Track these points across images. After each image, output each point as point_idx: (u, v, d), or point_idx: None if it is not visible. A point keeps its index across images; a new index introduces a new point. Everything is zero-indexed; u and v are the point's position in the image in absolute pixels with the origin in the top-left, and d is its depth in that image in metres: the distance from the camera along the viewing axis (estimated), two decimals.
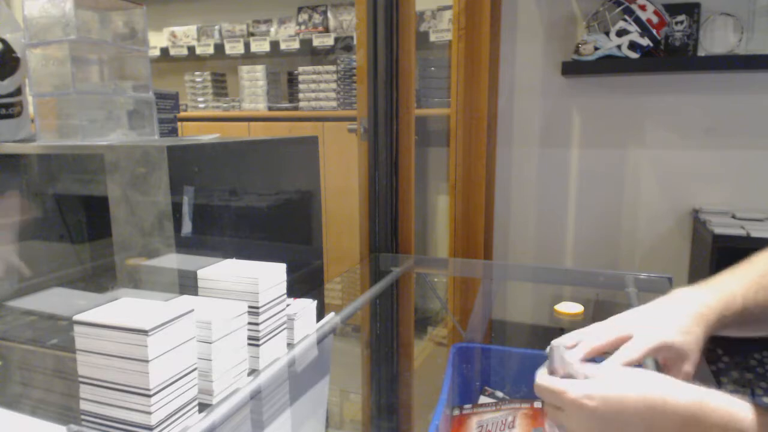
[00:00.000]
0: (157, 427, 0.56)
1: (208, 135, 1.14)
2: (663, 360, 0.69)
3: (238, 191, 1.00)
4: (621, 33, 1.88)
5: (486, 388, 0.98)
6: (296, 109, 2.92)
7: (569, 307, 1.22)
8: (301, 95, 2.88)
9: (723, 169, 1.99)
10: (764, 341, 1.92)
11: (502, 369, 1.00)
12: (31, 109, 1.05)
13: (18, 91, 1.05)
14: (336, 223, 2.52)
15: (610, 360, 0.66)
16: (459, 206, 2.03)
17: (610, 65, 1.93)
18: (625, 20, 1.87)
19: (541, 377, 0.65)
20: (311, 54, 3.02)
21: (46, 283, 1.11)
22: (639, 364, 0.66)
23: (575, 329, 0.98)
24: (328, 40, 2.85)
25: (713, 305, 0.69)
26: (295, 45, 2.93)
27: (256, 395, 0.71)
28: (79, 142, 0.95)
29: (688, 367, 0.67)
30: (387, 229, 1.67)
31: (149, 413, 0.56)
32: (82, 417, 0.59)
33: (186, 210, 0.85)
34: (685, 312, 0.69)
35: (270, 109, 3.00)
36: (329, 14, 2.95)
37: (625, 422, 0.57)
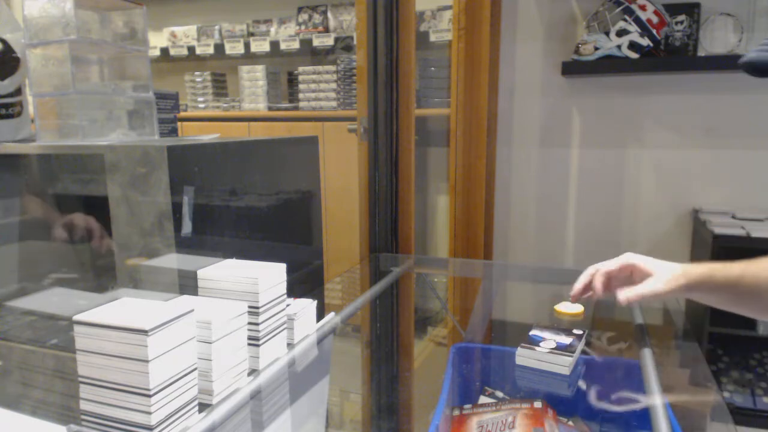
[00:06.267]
0: (157, 427, 0.56)
1: (208, 135, 1.14)
2: (635, 273, 0.88)
3: (238, 191, 1.00)
4: (621, 33, 1.88)
5: (486, 388, 0.98)
6: (296, 109, 2.92)
7: (569, 307, 1.22)
8: (301, 95, 2.88)
9: (723, 169, 1.99)
10: (764, 341, 1.92)
11: (502, 369, 1.00)
12: (31, 109, 1.05)
13: (18, 91, 1.05)
14: (336, 223, 2.52)
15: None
16: (459, 206, 2.03)
17: (610, 65, 1.93)
18: (625, 20, 1.87)
19: None
20: (311, 54, 3.02)
21: (46, 283, 1.11)
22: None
23: (575, 330, 0.98)
24: (328, 40, 2.85)
25: (706, 264, 0.82)
26: (295, 45, 2.93)
27: (256, 395, 0.71)
28: (79, 142, 0.95)
29: (654, 280, 0.83)
30: (387, 229, 1.67)
31: (149, 413, 0.56)
32: (82, 417, 0.59)
33: (186, 210, 0.85)
34: (678, 264, 0.85)
35: (270, 109, 3.00)
36: (329, 14, 2.95)
37: None
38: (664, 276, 0.83)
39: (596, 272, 0.94)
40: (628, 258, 0.91)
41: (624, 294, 0.84)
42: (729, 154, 1.98)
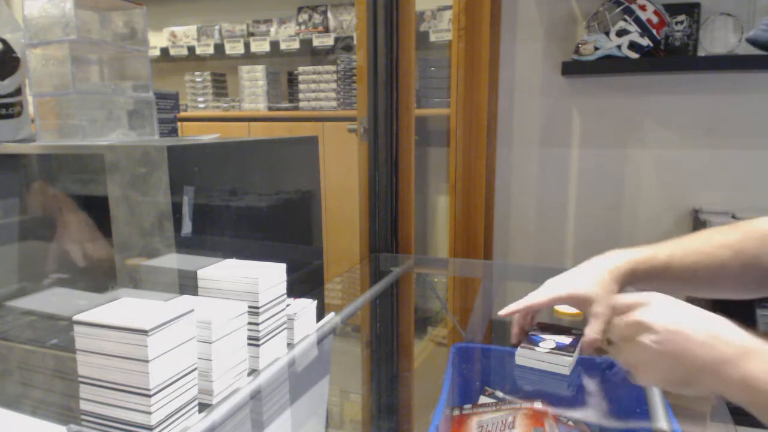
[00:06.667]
0: (157, 427, 0.56)
1: (208, 135, 1.14)
2: (573, 305, 0.85)
3: (238, 191, 1.00)
4: (621, 33, 1.88)
5: (486, 388, 0.98)
6: (296, 109, 2.92)
7: (569, 307, 1.22)
8: (301, 95, 2.88)
9: (723, 169, 1.99)
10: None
11: (502, 369, 1.00)
12: (31, 109, 1.05)
13: (18, 91, 1.05)
14: (336, 223, 2.52)
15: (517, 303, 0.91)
16: (459, 206, 2.03)
17: (610, 65, 1.93)
18: (625, 20, 1.87)
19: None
20: (311, 54, 3.02)
21: (46, 283, 1.11)
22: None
23: (575, 330, 0.98)
24: (328, 40, 2.85)
25: (627, 259, 0.83)
26: (295, 45, 2.93)
27: (256, 395, 0.71)
28: (79, 142, 0.95)
29: (598, 307, 0.79)
30: (387, 229, 1.67)
31: (149, 413, 0.56)
32: (82, 417, 0.59)
33: (186, 210, 0.85)
34: (600, 266, 0.84)
35: (270, 109, 3.00)
36: (329, 14, 2.95)
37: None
38: (603, 298, 0.80)
39: (526, 311, 0.93)
40: (556, 292, 0.88)
41: (596, 352, 0.80)
42: (729, 154, 1.98)
